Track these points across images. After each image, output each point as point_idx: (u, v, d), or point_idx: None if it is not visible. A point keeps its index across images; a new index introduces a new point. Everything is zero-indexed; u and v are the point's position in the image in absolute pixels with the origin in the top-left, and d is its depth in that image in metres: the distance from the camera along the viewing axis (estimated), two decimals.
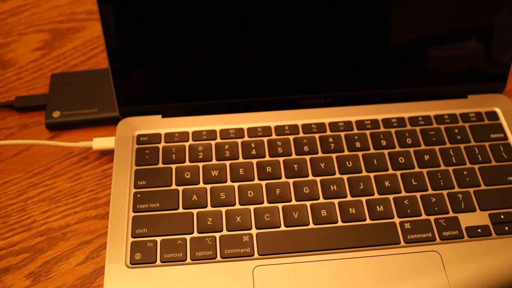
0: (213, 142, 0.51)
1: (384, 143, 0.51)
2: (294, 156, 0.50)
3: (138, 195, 0.47)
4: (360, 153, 0.50)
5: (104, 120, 0.55)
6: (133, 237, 0.45)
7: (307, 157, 0.50)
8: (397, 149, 0.50)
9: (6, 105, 0.56)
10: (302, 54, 0.51)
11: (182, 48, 0.50)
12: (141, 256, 0.44)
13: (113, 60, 0.50)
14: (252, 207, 0.46)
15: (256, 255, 0.44)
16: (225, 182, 0.48)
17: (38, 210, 0.49)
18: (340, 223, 0.45)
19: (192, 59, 0.51)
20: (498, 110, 0.53)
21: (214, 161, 0.49)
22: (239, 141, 0.51)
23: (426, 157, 0.49)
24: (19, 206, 0.49)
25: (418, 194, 0.47)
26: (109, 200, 0.48)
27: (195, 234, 0.45)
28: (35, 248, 0.46)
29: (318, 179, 0.48)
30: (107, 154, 0.53)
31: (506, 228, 0.45)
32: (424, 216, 0.46)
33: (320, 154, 0.50)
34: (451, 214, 0.46)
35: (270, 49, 0.51)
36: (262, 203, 0.47)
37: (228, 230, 0.45)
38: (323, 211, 0.46)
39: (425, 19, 0.51)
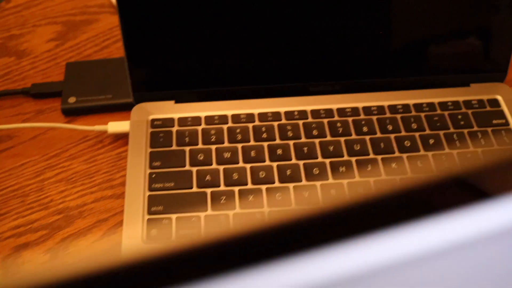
0: (225, 126, 0.52)
1: (390, 127, 0.52)
2: (303, 139, 0.51)
3: (153, 175, 0.49)
4: (367, 137, 0.51)
5: (118, 106, 0.56)
6: (149, 214, 0.46)
7: (316, 141, 0.51)
8: (403, 133, 0.52)
9: (22, 91, 0.58)
10: (312, 42, 0.53)
11: (195, 36, 0.52)
12: (157, 232, 0.45)
13: (128, 47, 0.51)
14: (264, 187, 0.48)
15: None
16: (238, 163, 0.50)
17: (55, 190, 0.50)
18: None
19: (204, 47, 0.53)
20: (499, 98, 0.55)
21: (226, 144, 0.51)
22: (250, 125, 0.52)
23: (431, 141, 0.51)
24: (37, 186, 0.51)
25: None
26: (124, 181, 0.50)
27: (209, 212, 0.46)
28: (53, 225, 0.48)
29: (327, 161, 0.50)
30: (121, 138, 0.54)
31: None
32: None
33: (328, 138, 0.51)
34: None
35: (280, 37, 0.52)
36: (274, 183, 0.48)
37: (241, 208, 0.47)
38: (333, 191, 0.47)
39: (431, 12, 0.53)
